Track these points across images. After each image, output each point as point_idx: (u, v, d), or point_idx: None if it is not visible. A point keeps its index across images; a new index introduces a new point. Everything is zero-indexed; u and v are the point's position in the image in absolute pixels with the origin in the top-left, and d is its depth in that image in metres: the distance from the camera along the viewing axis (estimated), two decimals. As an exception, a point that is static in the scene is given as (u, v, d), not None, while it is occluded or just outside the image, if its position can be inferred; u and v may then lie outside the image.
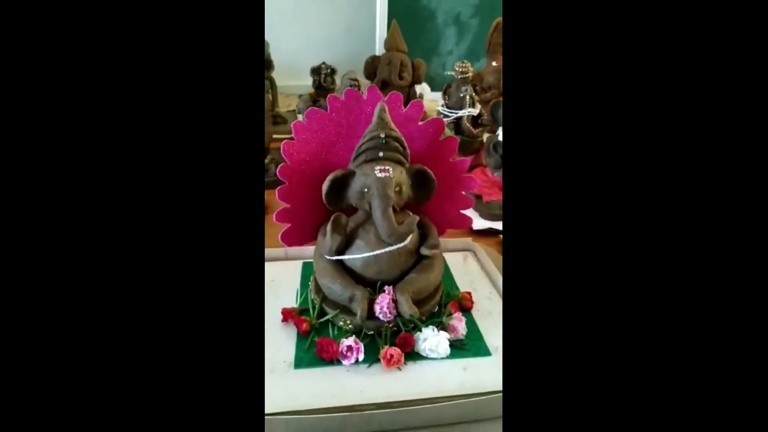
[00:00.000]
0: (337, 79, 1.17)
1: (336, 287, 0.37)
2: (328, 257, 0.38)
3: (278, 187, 0.39)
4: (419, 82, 0.94)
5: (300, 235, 0.41)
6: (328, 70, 1.13)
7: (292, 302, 0.41)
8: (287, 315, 0.39)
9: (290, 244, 0.41)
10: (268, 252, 0.47)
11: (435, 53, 1.29)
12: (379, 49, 1.23)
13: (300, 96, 1.15)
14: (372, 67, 0.93)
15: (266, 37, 0.91)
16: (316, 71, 1.13)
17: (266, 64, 0.89)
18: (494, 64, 0.94)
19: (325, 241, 0.38)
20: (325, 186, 0.37)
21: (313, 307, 0.39)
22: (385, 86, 0.92)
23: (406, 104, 0.41)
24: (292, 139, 0.40)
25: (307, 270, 0.45)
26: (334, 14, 1.25)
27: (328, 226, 0.38)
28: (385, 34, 1.21)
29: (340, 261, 0.38)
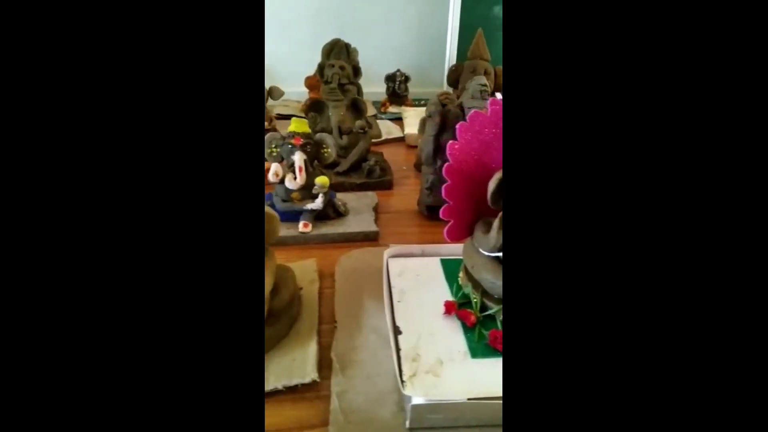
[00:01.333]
0: (410, 86, 1.20)
1: (499, 282, 0.39)
2: (487, 253, 0.40)
3: (444, 185, 0.41)
4: (500, 90, 0.95)
5: (460, 231, 0.43)
6: (402, 78, 1.16)
7: (441, 296, 0.43)
8: (450, 308, 0.40)
9: (454, 240, 0.43)
10: (405, 248, 0.49)
11: (500, 63, 1.31)
12: (449, 58, 1.26)
13: (373, 102, 1.18)
14: (456, 74, 0.95)
15: (354, 45, 0.94)
16: (390, 78, 1.16)
17: (355, 71, 0.93)
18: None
19: (488, 238, 0.40)
20: (492, 185, 0.39)
21: (474, 302, 0.40)
22: (468, 94, 0.94)
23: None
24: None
25: (449, 266, 0.47)
26: (405, 22, 1.28)
27: (496, 223, 0.39)
28: (456, 43, 1.24)
29: (498, 257, 0.40)
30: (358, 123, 0.72)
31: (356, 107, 0.76)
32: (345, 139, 0.72)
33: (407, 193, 0.71)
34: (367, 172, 0.70)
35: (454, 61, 1.25)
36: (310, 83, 1.12)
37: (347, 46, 0.94)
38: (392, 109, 1.16)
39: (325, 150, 0.55)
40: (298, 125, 0.53)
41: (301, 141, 0.52)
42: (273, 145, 0.54)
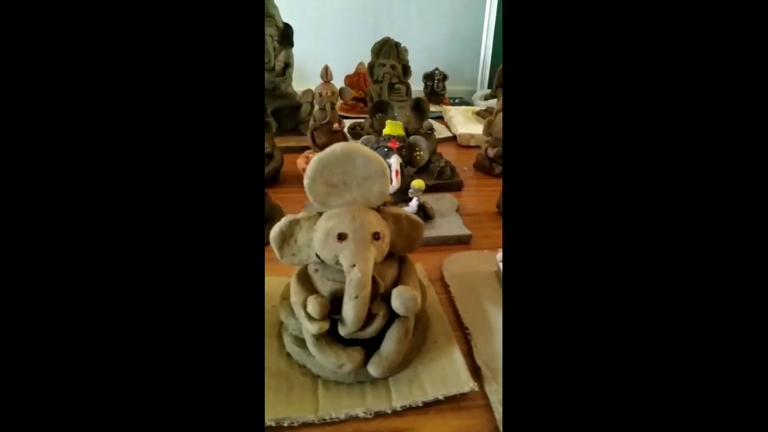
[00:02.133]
0: (448, 85, 1.20)
1: None
2: None
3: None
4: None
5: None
6: (441, 76, 1.15)
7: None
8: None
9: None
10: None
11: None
12: (484, 56, 1.26)
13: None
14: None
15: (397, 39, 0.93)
16: (429, 77, 1.15)
17: (404, 70, 0.92)
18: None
19: None
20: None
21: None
22: (517, 93, 0.94)
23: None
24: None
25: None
26: (439, 20, 1.28)
27: None
28: (491, 42, 1.24)
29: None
30: (427, 123, 0.71)
31: (419, 108, 0.76)
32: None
33: (478, 194, 0.70)
34: (437, 173, 0.70)
35: (489, 60, 1.25)
36: (350, 82, 1.11)
37: (397, 44, 0.94)
38: (432, 108, 1.15)
39: (418, 153, 0.54)
40: (394, 128, 0.53)
41: (398, 144, 0.52)
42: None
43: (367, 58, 1.23)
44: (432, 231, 0.55)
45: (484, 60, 1.26)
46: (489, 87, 1.26)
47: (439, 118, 1.10)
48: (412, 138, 0.55)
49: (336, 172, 0.31)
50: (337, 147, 0.31)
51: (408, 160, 0.54)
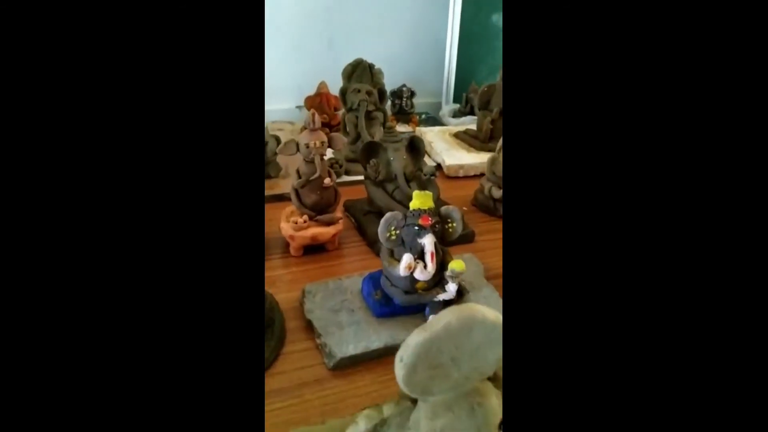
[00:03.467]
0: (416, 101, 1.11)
1: None
2: None
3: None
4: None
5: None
6: (409, 93, 1.06)
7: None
8: None
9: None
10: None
11: (498, 71, 1.26)
12: (449, 68, 1.18)
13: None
14: (487, 95, 0.88)
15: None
16: (396, 95, 1.05)
17: (380, 95, 0.81)
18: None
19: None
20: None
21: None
22: (501, 116, 0.87)
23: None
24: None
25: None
26: (400, 30, 1.18)
27: None
28: (455, 52, 1.16)
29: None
30: (428, 168, 0.62)
31: (414, 147, 0.66)
32: (415, 189, 0.62)
33: (495, 246, 0.63)
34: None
35: (453, 71, 1.18)
36: (312, 104, 0.97)
37: (371, 66, 0.83)
38: (400, 128, 1.06)
39: (451, 225, 0.45)
40: (423, 200, 0.43)
41: (430, 221, 0.42)
42: (392, 227, 0.43)
43: (324, 75, 1.10)
44: (471, 315, 0.46)
45: (448, 71, 1.18)
46: (455, 101, 1.19)
47: (413, 140, 1.01)
48: (444, 209, 0.45)
49: (446, 349, 0.21)
50: (452, 320, 0.21)
51: (441, 236, 0.45)
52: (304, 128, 0.57)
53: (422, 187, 0.65)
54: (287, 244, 0.57)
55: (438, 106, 1.25)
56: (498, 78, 0.91)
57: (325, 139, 0.54)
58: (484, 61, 1.24)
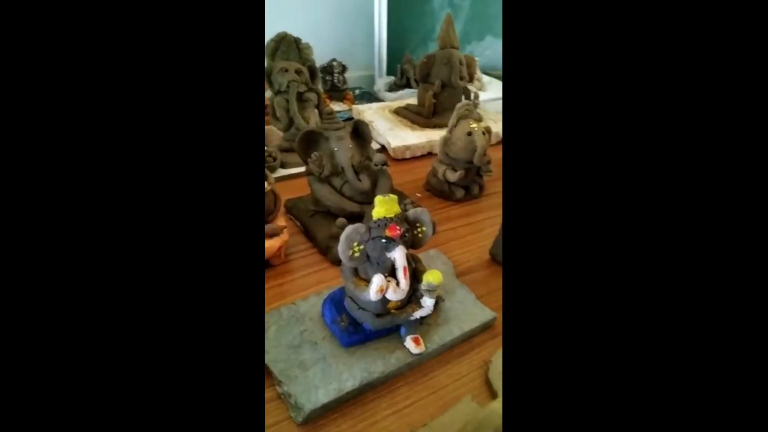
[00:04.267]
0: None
1: None
2: None
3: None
4: (472, 80, 0.85)
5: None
6: (340, 68, 0.96)
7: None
8: None
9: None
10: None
11: (431, 38, 1.19)
12: (378, 36, 1.09)
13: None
14: (427, 67, 0.81)
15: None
16: (327, 70, 0.95)
17: (311, 74, 0.71)
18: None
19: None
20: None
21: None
22: (443, 88, 0.81)
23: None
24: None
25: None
26: (321, -2, 1.06)
27: None
28: (385, 19, 1.07)
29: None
30: (378, 157, 0.54)
31: (359, 133, 0.58)
32: (366, 182, 0.54)
33: (458, 237, 0.58)
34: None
35: (384, 41, 1.09)
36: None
37: (297, 41, 0.72)
38: (334, 107, 0.96)
39: (420, 230, 0.38)
40: (388, 206, 0.35)
41: (399, 230, 0.35)
42: (355, 243, 0.35)
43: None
44: (446, 326, 0.41)
45: (379, 40, 1.09)
46: (389, 73, 1.11)
47: (349, 119, 0.93)
48: (412, 212, 0.38)
49: None
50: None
51: (410, 244, 0.38)
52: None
53: (374, 178, 0.58)
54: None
55: (371, 80, 1.16)
56: (436, 47, 0.84)
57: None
58: (414, 28, 1.17)
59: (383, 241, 0.35)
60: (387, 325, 0.38)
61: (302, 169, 0.68)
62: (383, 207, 0.36)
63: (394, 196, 0.36)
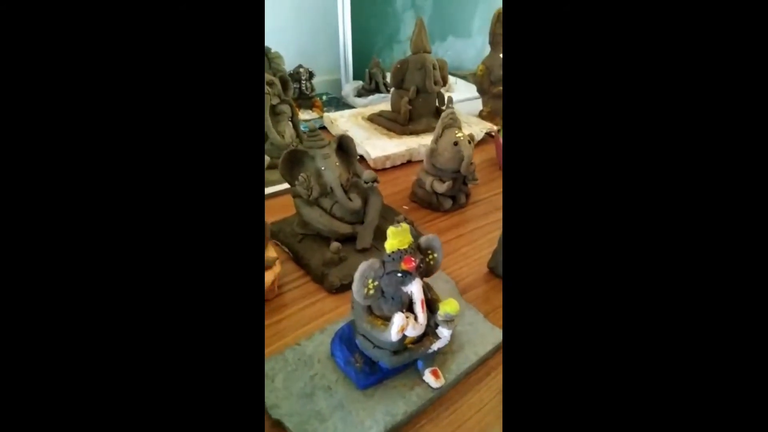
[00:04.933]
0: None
1: None
2: None
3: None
4: (445, 84, 0.84)
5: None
6: (308, 75, 0.92)
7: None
8: None
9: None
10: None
11: (395, 40, 1.17)
12: (343, 39, 1.05)
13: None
14: (401, 73, 0.79)
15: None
16: (294, 78, 0.90)
17: (283, 84, 0.66)
18: (502, 55, 0.91)
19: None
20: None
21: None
22: (417, 94, 0.79)
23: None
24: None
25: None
26: (281, 1, 1.00)
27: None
28: (349, 21, 1.04)
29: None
30: (368, 174, 0.52)
31: (342, 148, 0.55)
32: (358, 201, 0.51)
33: (454, 250, 0.56)
34: (399, 238, 0.52)
35: (349, 43, 1.06)
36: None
37: (266, 50, 0.67)
38: (304, 115, 0.92)
39: (431, 257, 0.36)
40: (401, 237, 0.33)
41: (415, 262, 0.33)
42: (370, 280, 0.33)
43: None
44: (462, 352, 0.39)
45: (344, 44, 1.05)
46: (356, 78, 1.08)
47: (323, 128, 0.89)
48: (424, 240, 0.36)
49: None
50: None
51: (423, 273, 0.36)
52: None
53: (364, 196, 0.55)
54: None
55: (337, 84, 1.13)
56: (402, 49, 0.82)
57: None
58: (379, 30, 1.14)
59: (399, 275, 0.33)
60: (405, 361, 0.36)
61: (281, 187, 0.64)
62: (396, 239, 0.33)
63: (407, 226, 0.34)
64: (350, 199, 0.51)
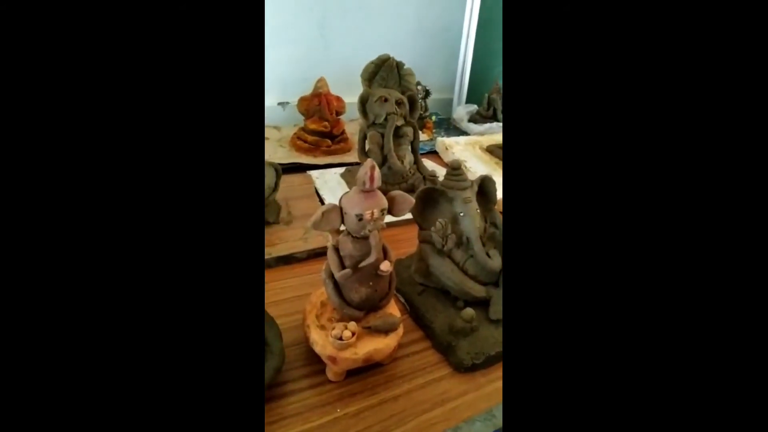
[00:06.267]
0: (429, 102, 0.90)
1: None
2: None
3: None
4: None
5: None
6: (424, 93, 0.86)
7: None
8: None
9: None
10: None
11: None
12: (464, 55, 0.98)
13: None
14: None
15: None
16: (410, 95, 0.84)
17: (411, 105, 0.60)
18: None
19: None
20: None
21: None
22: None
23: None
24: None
25: None
26: (403, 12, 0.95)
27: None
28: (473, 40, 0.96)
29: None
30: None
31: (482, 192, 0.47)
32: (497, 259, 0.43)
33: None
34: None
35: (470, 60, 0.98)
36: (308, 106, 0.74)
37: (399, 65, 0.62)
38: (413, 135, 0.85)
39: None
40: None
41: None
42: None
43: (313, 64, 0.87)
44: None
45: (463, 63, 0.98)
46: (469, 100, 1.00)
47: (432, 153, 0.82)
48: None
49: None
50: None
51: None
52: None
53: (501, 249, 0.46)
54: (317, 360, 0.37)
55: (447, 105, 1.05)
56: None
57: (386, 204, 0.34)
58: (501, 53, 1.06)
59: None
60: None
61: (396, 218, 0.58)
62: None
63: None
64: (489, 256, 0.43)
